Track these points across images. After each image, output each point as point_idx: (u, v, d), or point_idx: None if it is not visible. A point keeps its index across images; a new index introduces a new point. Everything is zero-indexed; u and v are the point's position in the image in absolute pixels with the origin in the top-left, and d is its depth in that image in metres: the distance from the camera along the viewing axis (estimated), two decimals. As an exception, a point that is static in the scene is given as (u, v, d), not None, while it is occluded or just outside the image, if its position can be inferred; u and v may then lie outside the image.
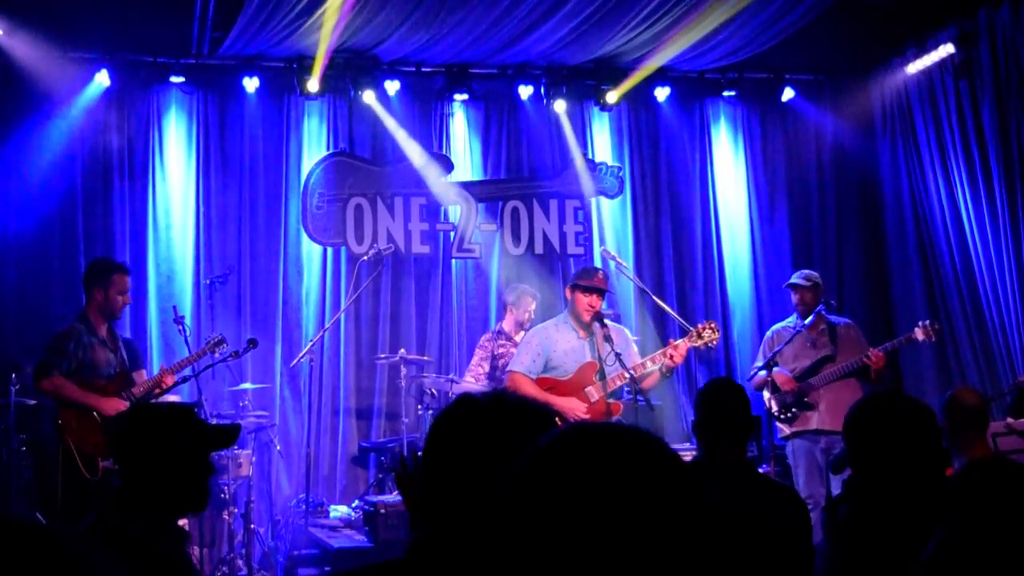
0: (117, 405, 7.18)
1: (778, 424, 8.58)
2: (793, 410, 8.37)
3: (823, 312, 8.52)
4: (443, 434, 2.24)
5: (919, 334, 8.26)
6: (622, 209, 11.15)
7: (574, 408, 7.03)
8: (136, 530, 3.14)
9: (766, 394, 8.49)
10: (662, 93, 11.00)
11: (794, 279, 8.76)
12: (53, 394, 7.10)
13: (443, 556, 2.13)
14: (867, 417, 3.36)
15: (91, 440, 7.02)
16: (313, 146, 10.61)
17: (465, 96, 10.73)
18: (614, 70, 10.73)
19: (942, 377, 10.39)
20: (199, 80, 10.25)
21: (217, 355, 7.92)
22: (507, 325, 9.63)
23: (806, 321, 8.48)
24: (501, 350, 9.46)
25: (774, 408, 8.47)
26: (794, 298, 8.66)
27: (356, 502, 9.49)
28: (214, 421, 8.77)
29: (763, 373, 8.41)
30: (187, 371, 7.84)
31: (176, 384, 7.68)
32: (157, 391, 7.55)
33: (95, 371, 7.20)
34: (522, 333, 9.37)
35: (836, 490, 8.25)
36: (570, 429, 1.45)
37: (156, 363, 9.55)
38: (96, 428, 7.07)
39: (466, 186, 10.83)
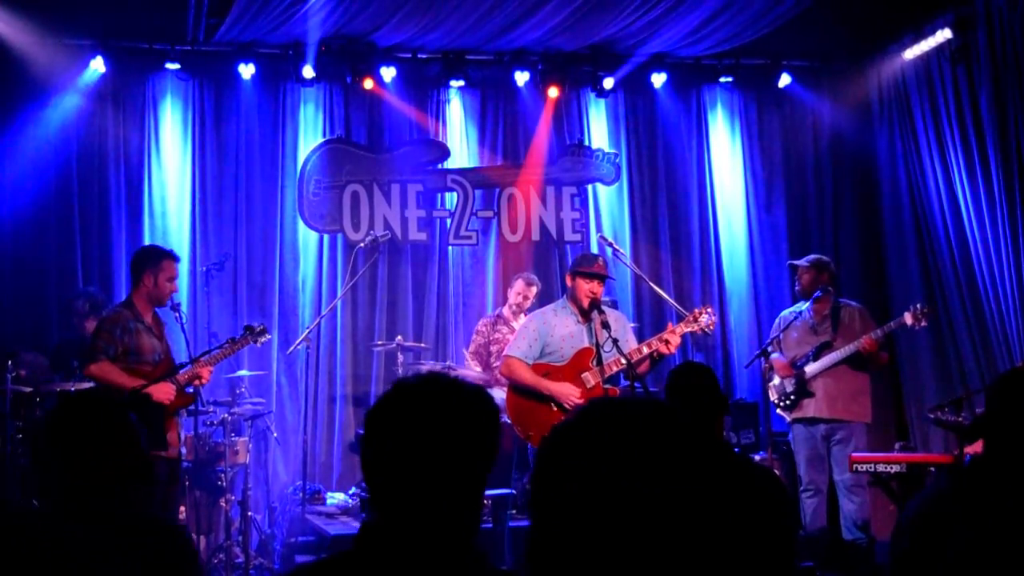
0: (166, 389, 7.17)
1: (778, 411, 8.58)
2: (791, 397, 8.35)
3: (833, 297, 8.51)
4: (379, 420, 2.26)
5: (908, 319, 8.25)
6: (619, 196, 11.14)
7: (568, 393, 7.01)
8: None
9: (774, 378, 8.48)
10: (659, 79, 10.97)
11: (798, 261, 8.72)
12: (100, 379, 7.07)
13: (391, 540, 2.16)
14: (1011, 386, 3.26)
15: None
16: (309, 133, 10.59)
17: (462, 82, 10.71)
18: (611, 56, 10.71)
19: (938, 363, 10.40)
20: (195, 67, 10.22)
21: (259, 344, 7.91)
22: (507, 311, 9.67)
23: (802, 309, 8.49)
24: (497, 335, 9.47)
25: (773, 396, 8.47)
26: (801, 280, 8.59)
27: (353, 489, 9.49)
28: (211, 409, 8.78)
29: (772, 357, 8.45)
30: (184, 358, 7.80)
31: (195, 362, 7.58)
32: (197, 382, 7.52)
33: (140, 357, 7.17)
34: (522, 317, 9.39)
35: (837, 476, 8.25)
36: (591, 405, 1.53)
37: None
38: (139, 415, 7.02)
39: (463, 173, 10.82)
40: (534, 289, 9.70)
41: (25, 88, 9.60)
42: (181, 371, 7.38)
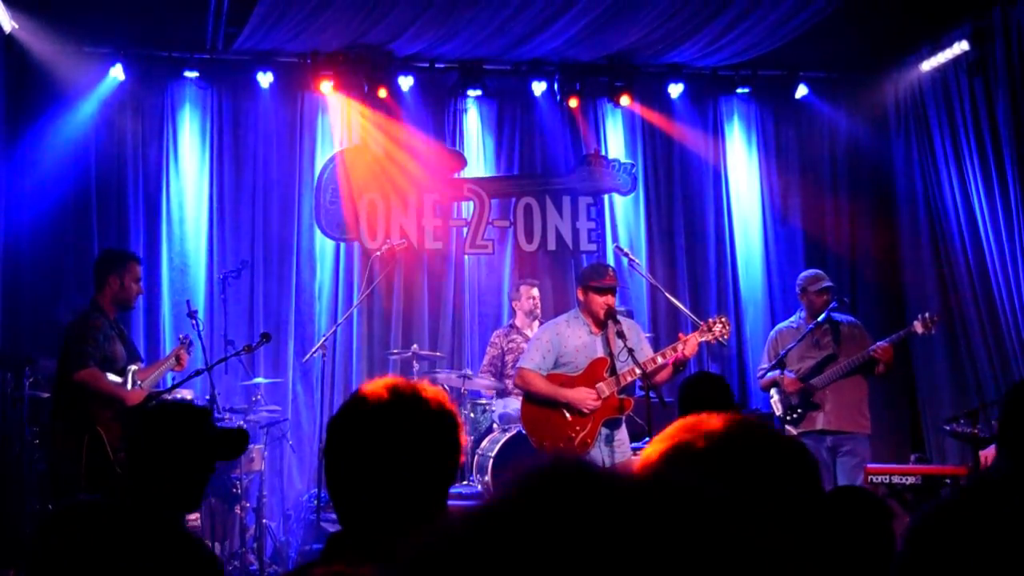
0: (139, 395, 7.21)
1: (785, 426, 8.53)
2: (799, 411, 8.32)
3: (831, 312, 8.46)
4: (339, 429, 2.26)
5: (918, 327, 8.18)
6: (635, 206, 11.14)
7: (584, 399, 7.01)
8: (148, 520, 3.19)
9: (773, 394, 8.48)
10: (675, 90, 10.97)
11: (828, 282, 8.58)
12: (89, 384, 7.04)
13: (358, 550, 2.15)
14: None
15: (116, 432, 7.04)
16: (327, 141, 10.62)
17: (479, 92, 10.72)
18: (628, 67, 10.72)
19: (955, 374, 10.38)
20: (213, 75, 10.27)
21: (183, 359, 7.91)
22: (518, 320, 9.71)
23: (819, 319, 8.45)
24: (511, 345, 9.49)
25: (778, 410, 8.43)
26: (820, 299, 8.46)
27: (367, 497, 9.50)
28: (227, 416, 8.80)
29: (772, 373, 8.40)
30: (200, 365, 7.84)
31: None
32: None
33: (114, 364, 7.20)
34: (535, 324, 9.39)
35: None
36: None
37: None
38: (117, 419, 7.09)
39: (479, 182, 10.84)
40: (536, 290, 9.76)
41: (45, 95, 9.65)
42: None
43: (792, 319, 8.77)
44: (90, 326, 7.20)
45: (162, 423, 3.37)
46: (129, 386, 7.33)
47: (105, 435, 6.96)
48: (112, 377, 7.22)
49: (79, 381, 7.06)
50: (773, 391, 8.49)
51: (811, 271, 8.82)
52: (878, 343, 8.18)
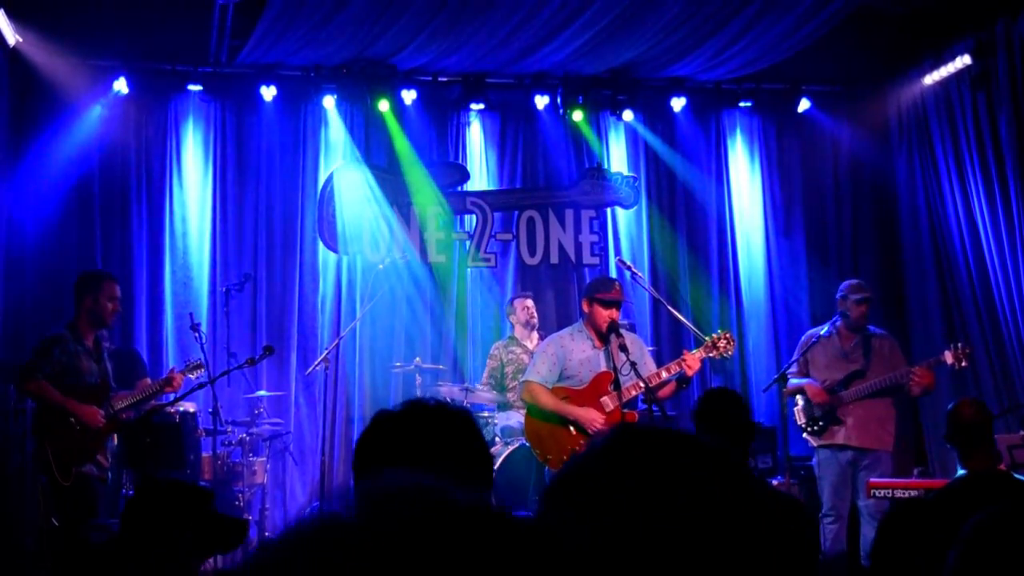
0: (94, 413, 7.22)
1: (804, 435, 8.45)
2: (820, 423, 8.24)
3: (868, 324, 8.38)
4: (367, 453, 2.22)
5: (948, 357, 8.07)
6: (637, 219, 11.14)
7: (592, 418, 7.00)
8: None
9: (799, 400, 8.37)
10: (678, 103, 10.99)
11: (868, 292, 8.44)
12: (36, 396, 7.19)
13: None
14: None
15: (66, 445, 7.08)
16: (329, 154, 10.63)
17: (481, 106, 10.74)
18: (631, 80, 10.74)
19: (958, 388, 10.32)
20: (217, 88, 10.29)
21: (194, 377, 7.93)
22: (517, 332, 9.71)
23: (823, 332, 8.39)
24: (511, 356, 9.49)
25: (801, 419, 8.36)
26: (858, 309, 8.33)
27: (370, 510, 9.48)
28: (229, 429, 8.80)
29: (794, 382, 8.33)
30: (203, 378, 7.85)
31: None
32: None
33: (78, 377, 7.25)
34: (534, 335, 9.41)
35: (861, 502, 8.16)
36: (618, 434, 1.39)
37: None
38: (71, 433, 7.12)
39: (482, 195, 10.85)
40: (531, 300, 9.78)
41: (49, 108, 9.67)
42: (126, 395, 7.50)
43: (826, 325, 8.67)
44: (49, 339, 7.31)
45: (162, 501, 3.33)
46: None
47: (50, 448, 7.01)
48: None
49: (27, 392, 7.29)
50: (799, 398, 8.40)
51: (854, 280, 8.75)
52: (915, 367, 8.08)
